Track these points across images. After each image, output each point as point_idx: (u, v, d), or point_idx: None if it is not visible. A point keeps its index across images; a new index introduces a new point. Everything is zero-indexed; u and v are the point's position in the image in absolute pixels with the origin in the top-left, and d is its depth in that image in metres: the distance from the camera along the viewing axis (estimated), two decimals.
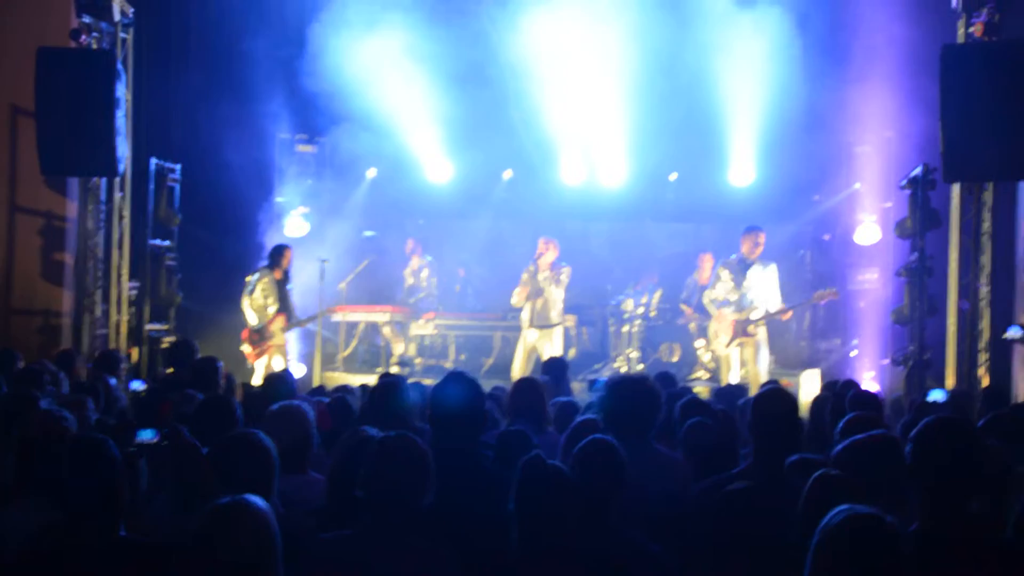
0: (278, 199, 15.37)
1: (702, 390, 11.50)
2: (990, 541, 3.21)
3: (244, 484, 3.53)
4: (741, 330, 11.53)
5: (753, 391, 8.70)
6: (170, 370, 8.66)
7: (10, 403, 5.31)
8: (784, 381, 10.32)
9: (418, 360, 14.52)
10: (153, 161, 12.65)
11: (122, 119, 11.17)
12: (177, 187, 13.23)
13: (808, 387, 12.50)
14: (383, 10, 13.44)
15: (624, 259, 15.59)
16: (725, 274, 11.70)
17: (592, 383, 8.13)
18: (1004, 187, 10.83)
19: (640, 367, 13.53)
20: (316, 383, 11.88)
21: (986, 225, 10.72)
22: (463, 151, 15.28)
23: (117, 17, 11.61)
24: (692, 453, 5.17)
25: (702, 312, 13.21)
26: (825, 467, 4.73)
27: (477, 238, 15.82)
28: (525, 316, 12.26)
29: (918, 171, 11.05)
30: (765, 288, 11.51)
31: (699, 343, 13.62)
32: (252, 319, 11.95)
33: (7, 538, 3.68)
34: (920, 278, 11.05)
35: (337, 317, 14.23)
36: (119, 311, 12.29)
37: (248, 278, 12.11)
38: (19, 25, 11.53)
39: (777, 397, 4.64)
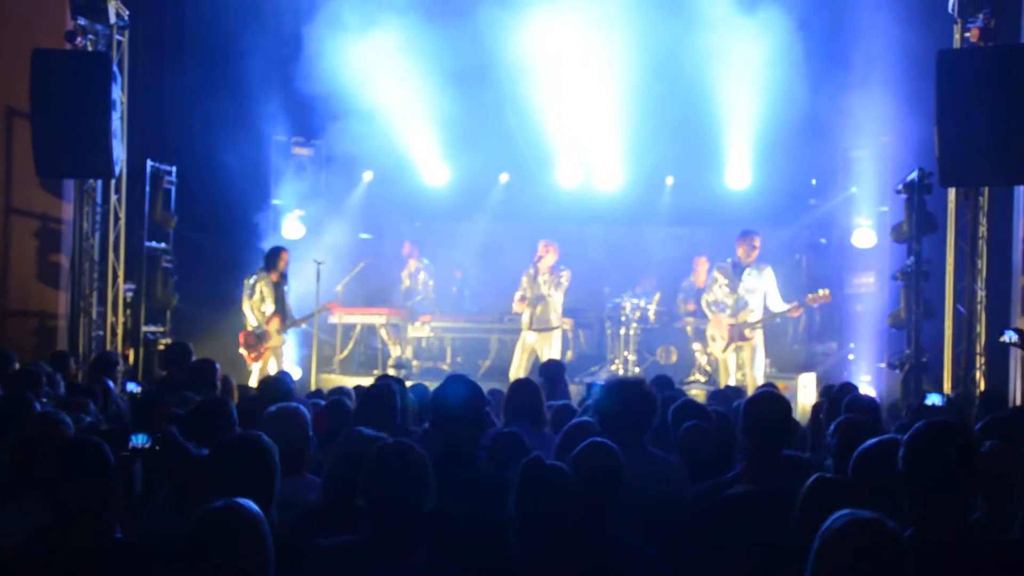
0: (274, 201, 15.36)
1: (698, 393, 11.50)
2: (990, 545, 3.20)
3: (246, 487, 3.52)
4: (737, 334, 11.59)
5: (750, 394, 8.70)
6: (165, 372, 8.65)
7: (5, 405, 5.29)
8: (780, 384, 10.33)
9: (415, 362, 14.50)
10: (149, 163, 12.63)
11: (118, 121, 11.15)
12: (173, 189, 13.21)
13: (804, 391, 12.50)
14: (379, 12, 13.44)
15: (620, 263, 15.57)
16: (721, 278, 11.79)
17: (589, 386, 8.12)
18: (1000, 191, 10.85)
19: (637, 370, 13.52)
20: (313, 386, 11.89)
21: (983, 229, 10.74)
22: (460, 154, 15.28)
23: (113, 19, 11.60)
24: (688, 456, 5.16)
25: (699, 315, 13.24)
26: (806, 465, 4.74)
27: (474, 241, 15.81)
28: (525, 319, 12.27)
29: (914, 175, 11.06)
30: (762, 291, 11.57)
31: (696, 346, 13.62)
32: (253, 321, 11.96)
33: (2, 540, 3.66)
34: (916, 282, 11.06)
35: (334, 319, 14.22)
36: (115, 313, 12.26)
37: (246, 281, 12.11)
38: (14, 27, 11.52)
39: (770, 400, 4.62)
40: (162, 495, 4.23)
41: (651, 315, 14.03)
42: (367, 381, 8.09)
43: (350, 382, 10.78)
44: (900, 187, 11.50)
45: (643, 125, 14.17)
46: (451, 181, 15.70)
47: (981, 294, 10.72)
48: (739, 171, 14.97)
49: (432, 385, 6.97)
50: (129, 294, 12.58)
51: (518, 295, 12.24)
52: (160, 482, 4.19)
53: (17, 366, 7.94)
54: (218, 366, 7.19)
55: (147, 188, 12.64)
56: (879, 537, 2.69)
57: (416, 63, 13.71)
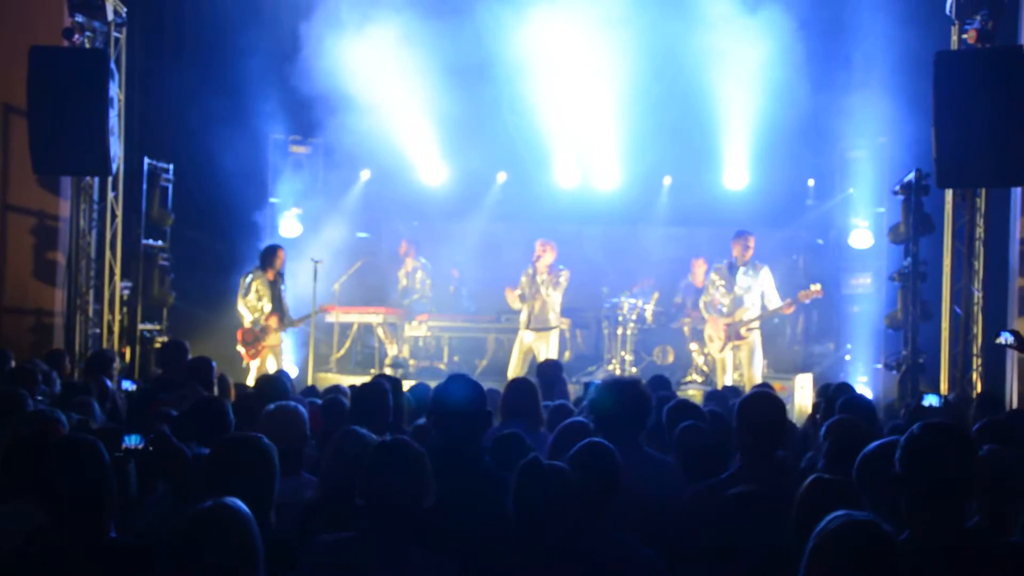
0: (271, 200, 15.36)
1: (695, 393, 11.53)
2: (988, 547, 3.19)
3: (246, 488, 3.51)
4: (734, 333, 11.65)
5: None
6: (161, 370, 8.64)
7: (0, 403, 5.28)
8: (777, 385, 10.33)
9: (412, 362, 14.49)
10: (146, 161, 12.61)
11: (115, 118, 11.13)
12: (170, 187, 13.20)
13: (801, 391, 12.51)
14: (377, 11, 13.42)
15: (618, 263, 15.58)
16: (718, 279, 11.90)
17: (587, 386, 8.12)
18: (997, 192, 10.86)
19: (634, 370, 13.53)
20: (309, 383, 11.88)
21: (979, 231, 10.75)
22: (458, 153, 15.28)
23: (110, 16, 11.57)
24: (684, 456, 5.16)
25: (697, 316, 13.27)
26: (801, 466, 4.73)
27: (471, 240, 15.80)
28: (523, 318, 12.28)
29: (911, 177, 11.08)
30: (758, 291, 11.64)
31: (693, 346, 13.63)
32: (248, 319, 11.96)
33: None
34: (913, 283, 11.07)
35: (331, 318, 14.20)
36: (111, 311, 12.25)
37: (242, 279, 12.11)
38: (11, 24, 11.50)
39: (764, 400, 4.63)
40: (159, 495, 4.23)
41: (648, 315, 14.03)
42: (364, 380, 8.09)
43: (347, 381, 10.79)
44: (897, 188, 11.51)
45: (641, 125, 14.17)
46: (449, 180, 15.69)
47: (978, 295, 10.73)
48: (737, 172, 14.99)
49: (432, 384, 7.00)
50: (126, 292, 12.57)
51: (516, 292, 12.24)
52: (154, 482, 4.18)
53: (13, 364, 7.93)
54: (215, 364, 7.18)
55: (144, 186, 12.62)
56: (873, 538, 2.68)
57: (414, 62, 13.69)
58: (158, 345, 12.56)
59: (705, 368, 13.29)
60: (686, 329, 13.92)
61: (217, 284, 13.59)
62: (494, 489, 3.79)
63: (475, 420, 4.33)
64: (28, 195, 11.75)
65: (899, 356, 11.22)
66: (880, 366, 12.69)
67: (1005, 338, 7.89)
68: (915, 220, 11.03)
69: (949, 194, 11.00)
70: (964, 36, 10.44)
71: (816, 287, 11.64)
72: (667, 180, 16.00)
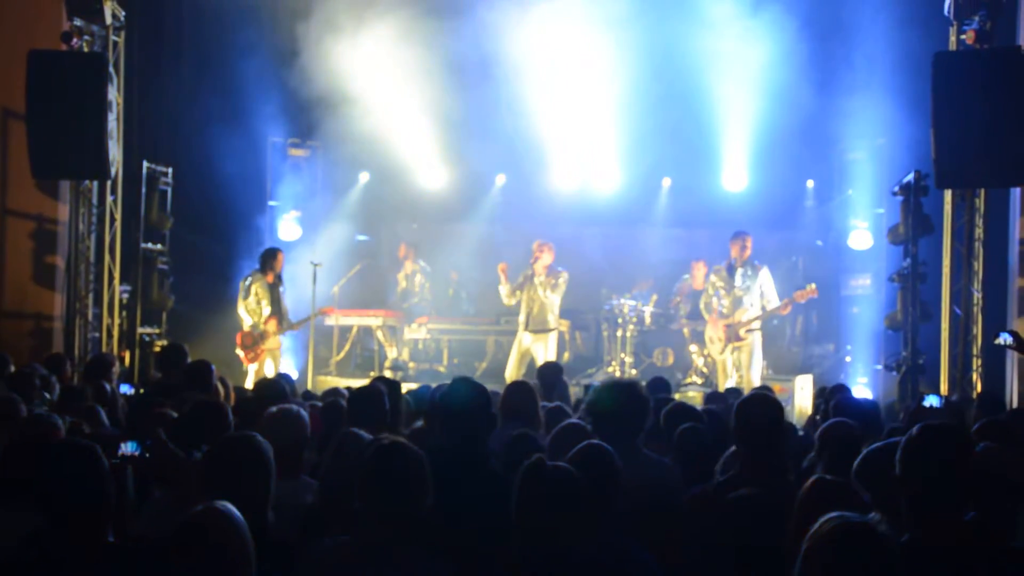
0: (271, 203, 15.35)
1: (696, 395, 11.53)
2: (988, 550, 3.18)
3: (241, 488, 3.51)
4: (733, 335, 11.66)
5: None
6: (160, 374, 8.62)
7: None
8: (777, 387, 10.34)
9: (411, 364, 14.49)
10: (145, 164, 12.60)
11: (113, 122, 11.12)
12: (169, 190, 13.18)
13: (801, 392, 12.51)
14: (375, 15, 13.42)
15: (617, 264, 15.59)
16: (717, 281, 11.94)
17: (587, 388, 8.13)
18: (997, 193, 10.85)
19: (633, 372, 13.53)
20: (309, 387, 11.87)
21: (979, 231, 10.74)
22: (457, 156, 15.27)
23: (109, 20, 11.55)
24: (684, 459, 5.15)
25: (694, 316, 13.27)
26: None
27: (470, 242, 15.80)
28: (521, 319, 12.27)
29: (910, 177, 11.07)
30: (757, 291, 11.68)
31: (693, 348, 13.63)
32: (248, 322, 11.96)
33: None
34: (913, 284, 11.06)
35: (330, 321, 14.20)
36: (111, 315, 12.24)
37: (242, 282, 12.11)
38: (10, 27, 11.49)
39: (762, 403, 4.62)
40: (156, 498, 4.22)
41: (647, 317, 14.02)
42: (364, 383, 8.09)
43: (347, 384, 10.78)
44: (896, 189, 11.50)
45: (640, 127, 14.17)
46: (448, 183, 15.70)
47: (978, 296, 10.72)
48: (736, 173, 14.99)
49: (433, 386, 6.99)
50: (125, 296, 12.56)
51: (510, 287, 12.21)
52: (151, 487, 4.18)
53: (12, 368, 7.92)
54: (214, 367, 7.16)
55: (143, 189, 12.61)
56: (868, 540, 2.67)
57: (413, 64, 13.70)
58: (157, 349, 12.54)
59: (705, 370, 13.29)
60: (686, 331, 13.92)
61: (216, 287, 13.59)
62: (498, 491, 3.77)
63: (480, 422, 4.33)
64: (27, 199, 11.74)
65: (899, 357, 11.21)
66: (880, 367, 12.68)
67: (1004, 339, 7.88)
68: (914, 221, 11.03)
69: (948, 195, 10.99)
70: (962, 37, 10.43)
71: (811, 287, 11.68)
72: (666, 182, 16.01)
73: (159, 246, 13.01)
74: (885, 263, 13.38)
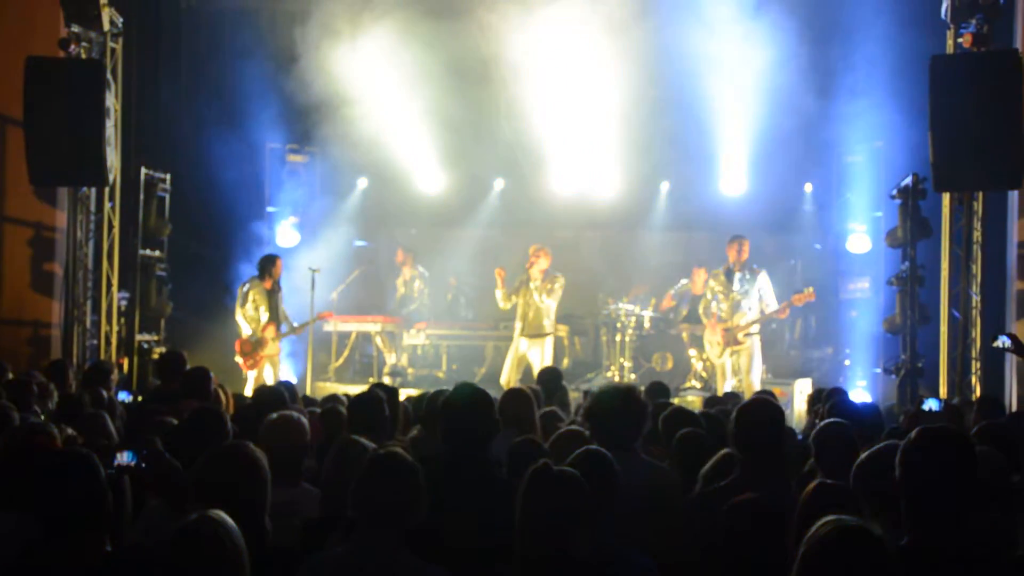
0: (269, 209, 15.34)
1: (695, 400, 11.52)
2: (990, 557, 3.17)
3: (237, 497, 3.50)
4: (732, 339, 11.68)
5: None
6: (159, 382, 8.61)
7: None
8: (777, 390, 10.33)
9: (410, 370, 14.49)
10: (143, 171, 12.58)
11: (111, 129, 11.12)
12: (167, 197, 13.17)
13: (801, 396, 12.49)
14: (374, 21, 13.43)
15: (616, 269, 15.58)
16: (716, 285, 11.96)
17: (586, 393, 8.11)
18: (995, 196, 10.86)
19: (632, 377, 13.52)
20: (308, 393, 11.86)
21: (977, 234, 10.74)
22: (455, 161, 15.28)
23: (106, 26, 11.55)
24: (684, 463, 5.15)
25: (696, 322, 13.26)
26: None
27: (469, 248, 15.80)
28: (517, 325, 12.26)
29: (908, 181, 11.07)
30: (756, 295, 11.71)
31: (692, 352, 13.62)
32: (246, 330, 11.94)
33: None
34: (911, 287, 11.06)
35: (329, 327, 14.19)
36: (109, 322, 12.23)
37: (240, 289, 12.10)
38: (7, 34, 11.50)
39: (762, 407, 4.61)
40: (153, 508, 4.21)
41: (647, 321, 14.02)
42: (363, 389, 8.08)
43: (346, 390, 10.77)
44: (894, 192, 11.51)
45: (638, 131, 14.17)
46: (446, 188, 15.70)
47: (976, 299, 10.72)
48: (734, 177, 14.98)
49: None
50: (123, 303, 12.55)
51: (506, 291, 12.21)
52: (147, 497, 4.17)
53: (10, 376, 7.91)
54: (212, 374, 7.15)
55: (141, 196, 12.59)
56: (864, 542, 2.66)
57: (411, 70, 13.71)
58: (156, 356, 12.52)
59: (704, 374, 13.28)
60: (685, 335, 13.91)
61: (215, 294, 13.57)
62: (502, 497, 3.76)
63: (484, 428, 4.33)
64: (25, 207, 11.73)
65: (898, 360, 11.21)
66: (879, 371, 12.68)
67: (1003, 341, 7.88)
68: (912, 224, 11.03)
69: (946, 198, 10.99)
70: (960, 40, 10.44)
71: (809, 290, 11.72)
72: (665, 186, 16.00)
73: (157, 253, 12.99)
74: (883, 267, 13.38)
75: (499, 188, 16.18)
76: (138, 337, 12.62)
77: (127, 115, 12.29)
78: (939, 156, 9.79)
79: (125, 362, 12.33)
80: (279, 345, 12.16)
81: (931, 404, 7.77)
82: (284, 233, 15.19)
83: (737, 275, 11.80)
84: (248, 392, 10.64)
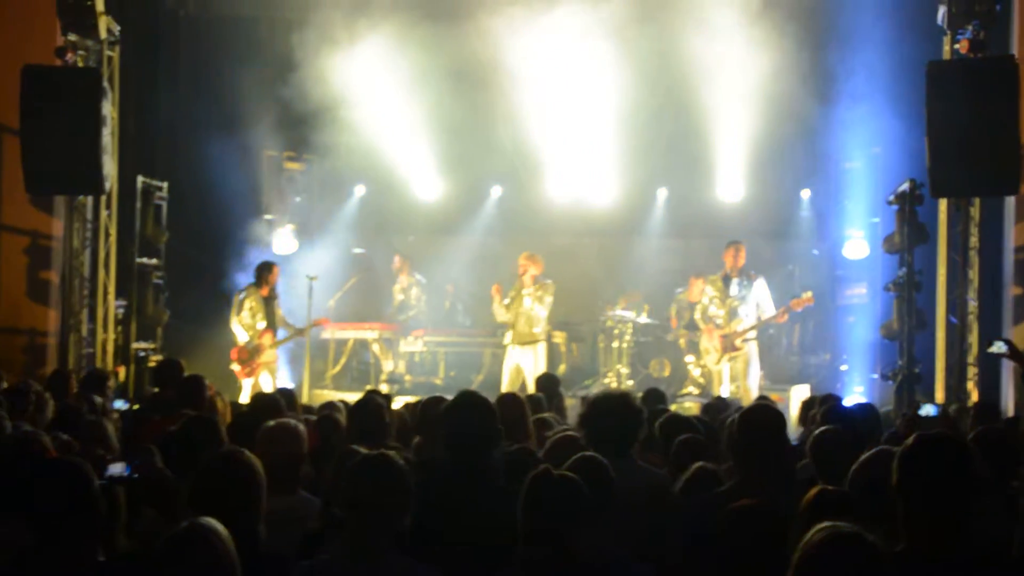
0: (266, 216, 15.32)
1: (692, 406, 11.50)
2: (987, 561, 3.16)
3: (231, 504, 3.50)
4: (729, 344, 11.69)
5: (744, 406, 8.69)
6: (156, 390, 8.59)
7: None
8: (774, 396, 10.32)
9: (408, 377, 14.47)
10: (140, 179, 12.57)
11: (108, 137, 11.11)
12: (164, 205, 13.15)
13: (798, 402, 12.49)
14: (370, 28, 13.43)
15: (614, 275, 15.58)
16: (713, 291, 11.96)
17: (583, 399, 8.10)
18: (991, 202, 10.87)
19: (630, 383, 13.51)
20: (305, 400, 11.84)
21: (974, 240, 10.74)
22: (452, 168, 15.28)
23: (103, 35, 11.53)
24: (682, 469, 5.13)
25: (691, 328, 13.26)
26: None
27: (466, 255, 15.79)
28: (508, 334, 12.25)
29: (905, 186, 11.07)
30: (753, 301, 11.72)
31: (689, 359, 13.62)
32: (242, 337, 11.93)
33: None
34: (908, 293, 11.05)
35: (326, 334, 14.18)
36: (105, 330, 12.21)
37: (236, 297, 12.08)
38: (3, 42, 11.49)
39: (764, 413, 4.60)
40: (147, 518, 4.19)
41: (639, 327, 14.02)
42: (360, 396, 8.06)
43: (343, 398, 10.75)
44: (891, 198, 11.51)
45: (636, 137, 14.20)
46: (444, 195, 15.70)
47: (973, 304, 10.72)
48: (732, 183, 14.99)
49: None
50: (120, 311, 12.53)
51: (502, 302, 12.21)
52: (140, 506, 4.15)
53: (5, 384, 7.88)
54: (207, 382, 7.14)
55: (138, 204, 12.56)
56: (858, 549, 2.65)
57: (408, 77, 13.72)
58: (153, 364, 12.49)
59: (702, 380, 13.27)
60: (682, 342, 13.91)
61: (212, 302, 13.54)
62: (503, 502, 3.76)
63: (486, 436, 4.33)
64: (21, 215, 11.73)
65: (895, 366, 11.20)
66: (876, 376, 12.67)
67: (998, 347, 7.88)
68: (909, 230, 11.02)
69: (943, 204, 11.00)
70: (956, 46, 10.46)
71: (807, 295, 11.73)
72: (662, 192, 16.01)
73: (154, 261, 12.96)
74: (881, 272, 13.37)
75: (496, 195, 16.18)
76: (135, 345, 12.60)
77: (124, 123, 12.27)
78: (935, 162, 9.80)
79: (122, 370, 12.30)
80: (276, 352, 12.14)
81: (928, 410, 7.77)
82: (281, 240, 15.16)
83: (734, 281, 11.82)
84: (245, 400, 10.62)
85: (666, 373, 14.07)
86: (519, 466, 4.50)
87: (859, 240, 14.30)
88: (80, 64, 11.37)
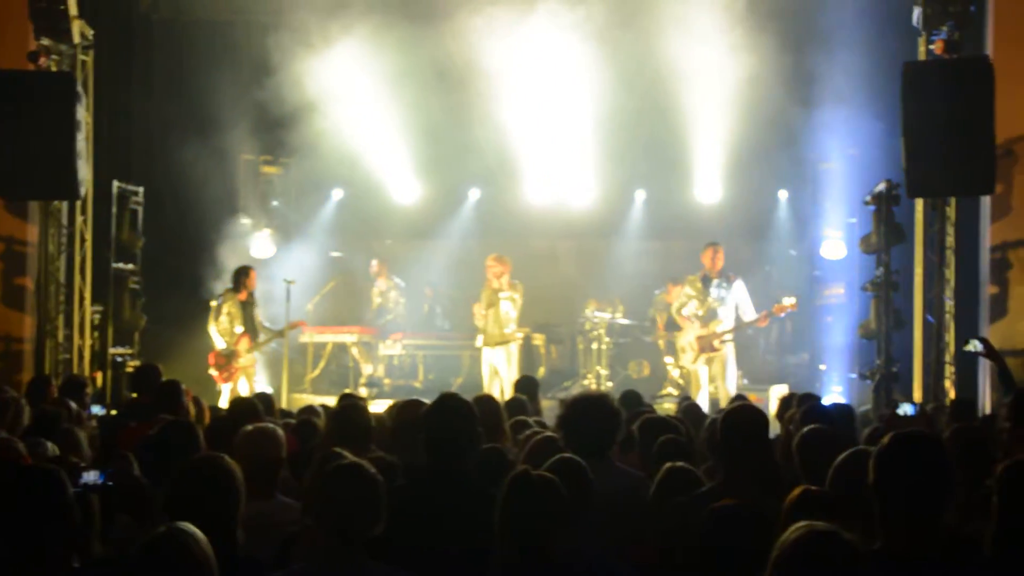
0: (243, 220, 15.25)
1: (671, 407, 11.51)
2: (962, 559, 3.18)
3: (207, 509, 3.48)
4: (707, 345, 11.70)
5: (723, 407, 8.71)
6: (134, 395, 8.54)
7: None
8: (753, 396, 10.35)
9: (387, 381, 14.44)
10: (115, 184, 12.48)
11: (83, 142, 11.01)
12: (140, 210, 13.07)
13: (777, 402, 12.53)
14: (346, 30, 13.39)
15: (593, 277, 15.59)
16: (692, 291, 11.97)
17: (563, 402, 8.10)
18: (967, 201, 10.93)
19: (609, 384, 13.52)
20: (284, 405, 11.79)
21: (950, 239, 10.80)
22: (430, 171, 15.27)
23: (77, 39, 11.43)
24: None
25: (671, 328, 13.28)
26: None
27: (444, 258, 15.78)
28: (480, 337, 12.25)
29: (882, 187, 11.13)
30: (732, 303, 11.74)
31: (668, 360, 13.64)
32: (219, 343, 11.88)
33: None
34: (886, 292, 11.11)
35: (304, 338, 14.13)
36: (82, 336, 12.12)
37: (212, 302, 12.03)
38: None
39: (747, 413, 4.61)
40: (122, 523, 4.16)
41: (619, 328, 14.04)
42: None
43: (322, 402, 10.71)
44: (868, 198, 11.56)
45: (613, 139, 14.22)
46: (422, 198, 15.70)
47: (950, 304, 10.78)
48: (710, 185, 15.03)
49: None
50: (96, 316, 12.44)
51: (483, 308, 12.22)
52: (115, 513, 4.12)
53: None
54: (184, 387, 7.09)
55: (114, 209, 12.47)
56: (834, 548, 2.65)
57: (385, 79, 13.70)
58: (130, 369, 12.41)
59: (680, 381, 13.30)
60: (661, 343, 13.94)
61: (189, 306, 13.46)
62: (481, 505, 3.75)
63: (466, 439, 4.32)
64: None
65: (873, 365, 11.26)
66: (854, 376, 12.73)
67: (974, 345, 7.92)
68: (886, 230, 11.08)
69: (919, 204, 11.06)
70: (931, 47, 10.52)
71: (791, 301, 11.74)
72: (641, 194, 16.04)
73: (131, 266, 12.88)
74: (858, 272, 13.44)
75: (474, 198, 16.18)
76: (112, 350, 12.51)
77: (99, 128, 12.17)
78: (911, 162, 9.86)
79: (99, 376, 12.22)
80: (255, 357, 12.09)
81: (905, 409, 7.81)
82: (259, 245, 15.11)
83: (714, 282, 11.84)
84: (224, 405, 10.57)
85: (645, 374, 14.10)
86: (491, 467, 4.50)
87: (836, 240, 14.37)
88: (53, 68, 11.26)
